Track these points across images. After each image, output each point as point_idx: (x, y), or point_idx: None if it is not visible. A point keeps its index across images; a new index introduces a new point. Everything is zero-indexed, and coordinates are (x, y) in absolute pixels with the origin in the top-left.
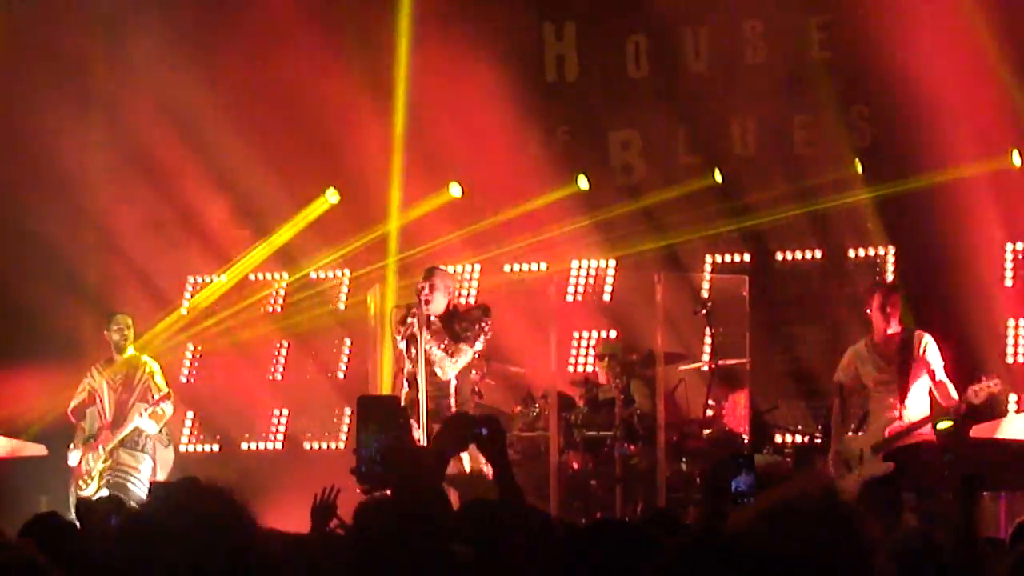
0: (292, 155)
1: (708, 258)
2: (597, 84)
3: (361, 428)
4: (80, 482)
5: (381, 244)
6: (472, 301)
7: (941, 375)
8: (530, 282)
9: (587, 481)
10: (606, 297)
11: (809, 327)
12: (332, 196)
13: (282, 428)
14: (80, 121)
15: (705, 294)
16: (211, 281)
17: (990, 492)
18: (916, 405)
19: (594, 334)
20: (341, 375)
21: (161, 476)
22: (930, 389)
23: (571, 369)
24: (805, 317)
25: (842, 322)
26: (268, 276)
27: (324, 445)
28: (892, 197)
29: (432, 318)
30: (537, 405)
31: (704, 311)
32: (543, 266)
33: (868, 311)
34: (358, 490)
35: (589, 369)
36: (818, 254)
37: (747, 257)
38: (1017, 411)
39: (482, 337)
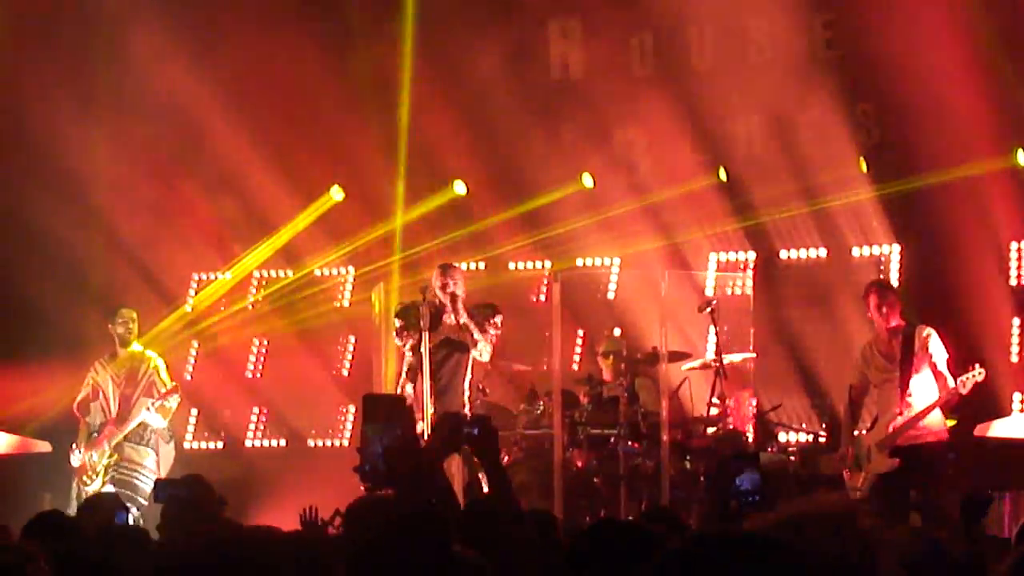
0: (297, 152)
1: (713, 256)
2: (602, 82)
3: (366, 426)
4: (84, 477)
5: (386, 241)
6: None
7: (941, 366)
8: (533, 279)
9: (591, 479)
10: (611, 295)
11: (813, 325)
12: (337, 193)
13: (286, 425)
14: (85, 118)
15: (710, 292)
16: (216, 278)
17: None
18: (920, 399)
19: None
20: (345, 372)
21: (163, 472)
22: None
23: (575, 367)
24: (809, 315)
25: (846, 320)
26: (273, 273)
27: (328, 442)
28: (897, 196)
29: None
30: (541, 403)
31: (708, 309)
32: (547, 264)
33: (868, 312)
34: (361, 488)
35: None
36: (823, 252)
37: (752, 255)
38: (1021, 410)
39: (495, 332)
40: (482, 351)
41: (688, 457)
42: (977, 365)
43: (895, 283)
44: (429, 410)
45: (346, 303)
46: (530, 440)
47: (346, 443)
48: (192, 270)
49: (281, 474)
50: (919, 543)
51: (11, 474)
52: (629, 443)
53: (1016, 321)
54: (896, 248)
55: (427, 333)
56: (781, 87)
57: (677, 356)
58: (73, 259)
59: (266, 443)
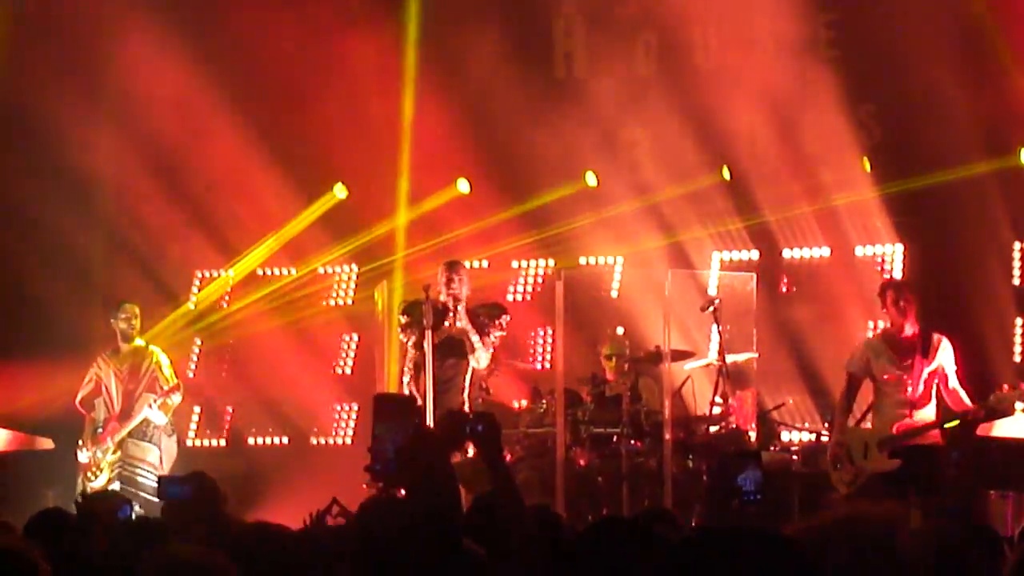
0: (300, 150)
1: (716, 255)
2: (606, 80)
3: (377, 426)
4: (89, 474)
5: (389, 239)
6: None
7: (954, 382)
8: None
9: (594, 478)
10: (614, 294)
11: (817, 325)
12: (340, 191)
13: (289, 423)
14: (88, 115)
15: (713, 291)
16: (219, 275)
17: (997, 492)
18: (925, 404)
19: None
20: (348, 370)
21: (166, 467)
22: (939, 391)
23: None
24: (813, 315)
25: (850, 320)
26: (276, 271)
27: (331, 440)
28: (900, 195)
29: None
30: (544, 401)
31: (712, 308)
32: (551, 262)
33: (883, 308)
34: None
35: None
36: (826, 252)
37: (755, 254)
38: None
39: (500, 334)
40: (479, 358)
41: (691, 456)
42: (1021, 384)
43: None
44: (430, 406)
45: (349, 301)
46: (532, 439)
47: (348, 441)
48: (195, 267)
49: (283, 472)
50: (932, 537)
51: (13, 470)
52: (632, 442)
53: (1019, 321)
54: (899, 248)
55: (431, 332)
56: (784, 86)
57: (680, 355)
58: (76, 255)
59: (268, 441)
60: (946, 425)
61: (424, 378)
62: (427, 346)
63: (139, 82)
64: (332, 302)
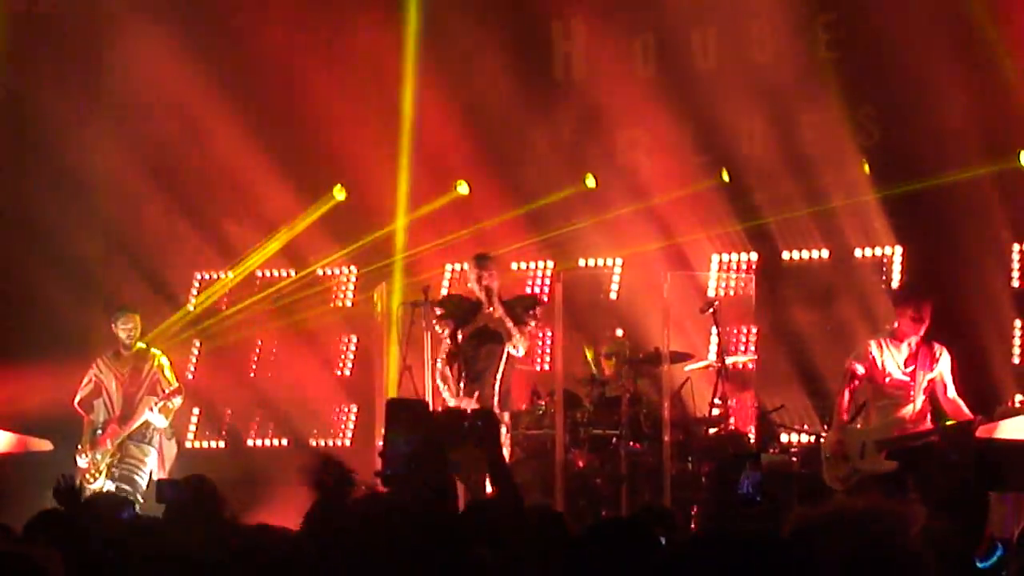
0: (299, 152)
1: (715, 257)
2: (605, 83)
3: (389, 431)
4: (88, 476)
5: (388, 241)
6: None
7: (953, 392)
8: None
9: (593, 479)
10: (613, 296)
11: (816, 327)
12: (339, 193)
13: (288, 425)
14: (89, 118)
15: (712, 293)
16: (218, 277)
17: (997, 493)
18: (925, 412)
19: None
20: (348, 372)
21: (166, 468)
22: (937, 400)
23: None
24: (812, 317)
25: (849, 322)
26: (275, 273)
27: (330, 443)
28: (899, 197)
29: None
30: (543, 403)
31: (711, 310)
32: (550, 264)
33: (897, 313)
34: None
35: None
36: (825, 254)
37: (754, 256)
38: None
39: (534, 323)
40: (517, 344)
41: (690, 458)
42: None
43: (896, 284)
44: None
45: (348, 303)
46: (532, 440)
47: (348, 443)
48: (194, 269)
49: (283, 474)
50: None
51: (12, 473)
52: (631, 443)
53: (1018, 323)
54: (899, 250)
55: (429, 332)
56: (783, 88)
57: (679, 357)
58: (76, 258)
59: (268, 443)
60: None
61: (457, 368)
62: (427, 345)
63: (140, 84)
64: (332, 304)
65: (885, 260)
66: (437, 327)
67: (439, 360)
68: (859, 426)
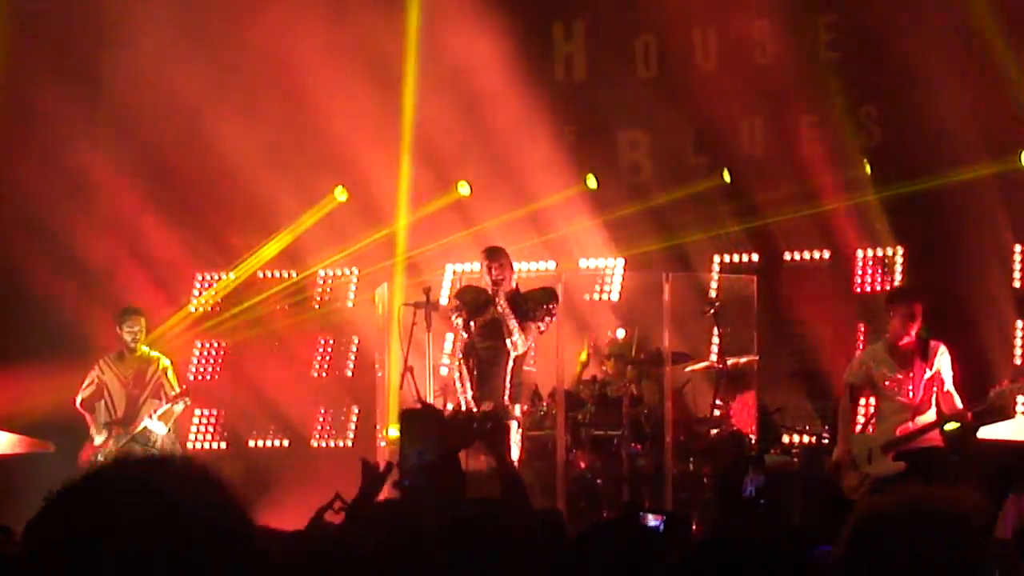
0: (301, 153)
1: (716, 258)
2: (606, 84)
3: (405, 441)
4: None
5: (389, 242)
6: None
7: (950, 386)
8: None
9: (594, 480)
10: (614, 296)
11: (817, 327)
12: (341, 194)
13: (289, 426)
14: (90, 118)
15: (713, 294)
16: (220, 278)
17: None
18: (927, 410)
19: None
20: (349, 373)
21: None
22: (936, 396)
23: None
24: (813, 317)
25: (850, 323)
26: (277, 274)
27: (332, 443)
28: (901, 198)
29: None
30: (544, 404)
31: (712, 311)
32: (551, 265)
33: (888, 316)
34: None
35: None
36: (826, 254)
37: (755, 257)
38: None
39: (548, 319)
40: (516, 343)
41: (691, 458)
42: (1021, 379)
43: (898, 285)
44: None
45: (349, 303)
46: (533, 441)
47: (349, 444)
48: (196, 270)
49: (284, 474)
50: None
51: (14, 474)
52: (632, 444)
53: (1020, 324)
54: (900, 250)
55: (430, 333)
56: (784, 89)
57: (680, 358)
58: (77, 258)
59: (268, 443)
60: (945, 428)
61: (472, 361)
62: (427, 344)
63: (141, 84)
64: (333, 305)
65: (886, 261)
66: (453, 318)
67: (456, 356)
68: (866, 432)
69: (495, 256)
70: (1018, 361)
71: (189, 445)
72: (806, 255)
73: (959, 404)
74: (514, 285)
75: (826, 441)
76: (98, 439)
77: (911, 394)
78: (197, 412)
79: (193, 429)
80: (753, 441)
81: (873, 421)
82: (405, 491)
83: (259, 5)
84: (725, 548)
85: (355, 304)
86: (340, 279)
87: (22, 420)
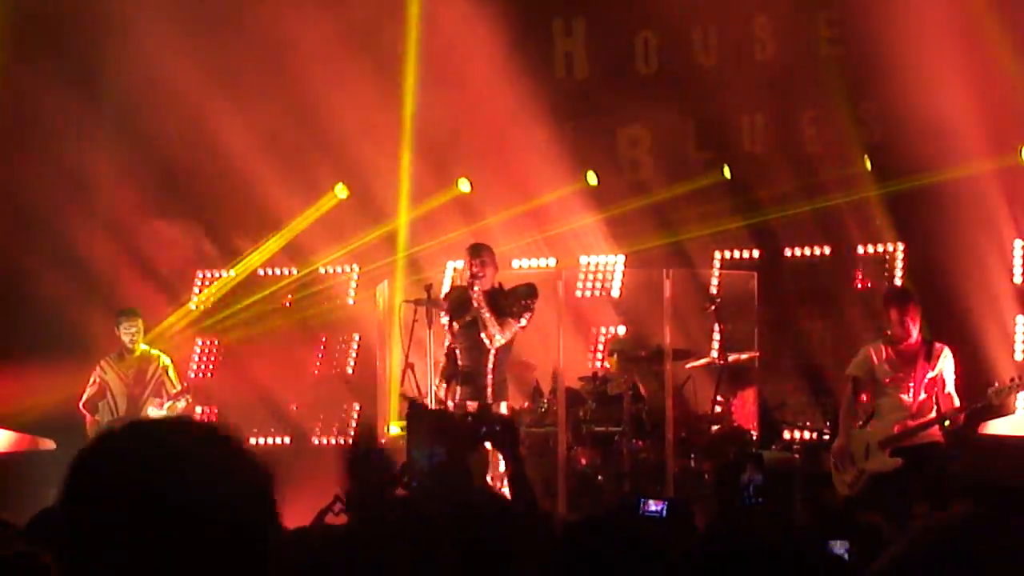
0: (301, 150)
1: (717, 254)
2: (606, 80)
3: (413, 443)
4: None
5: (390, 239)
6: None
7: (951, 388)
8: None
9: (595, 476)
10: (615, 293)
11: (818, 323)
12: (341, 191)
13: (290, 423)
14: (90, 116)
15: (714, 290)
16: (220, 276)
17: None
18: (928, 411)
19: (603, 330)
20: (350, 370)
21: None
22: (936, 397)
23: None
24: (814, 313)
25: (851, 319)
26: (277, 271)
27: (332, 440)
28: (901, 194)
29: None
30: (545, 400)
31: (713, 307)
32: (552, 262)
33: (886, 318)
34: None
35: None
36: (827, 250)
37: (756, 253)
38: None
39: (527, 314)
40: (491, 337)
41: (692, 454)
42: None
43: (898, 282)
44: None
45: (351, 301)
46: (534, 438)
47: (350, 441)
48: (196, 268)
49: (284, 472)
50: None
51: (15, 471)
52: (633, 441)
53: (1020, 319)
54: (900, 246)
55: (431, 330)
56: (785, 85)
57: (681, 354)
58: (77, 257)
59: (270, 441)
60: (946, 423)
61: (453, 362)
62: (428, 341)
63: (141, 83)
64: (334, 302)
65: (887, 257)
66: (441, 318)
67: (442, 356)
68: (865, 428)
69: (476, 253)
70: (1019, 357)
71: None
72: (807, 251)
73: (956, 403)
74: (497, 283)
75: (827, 437)
76: None
77: (911, 393)
78: (198, 410)
79: None
80: (754, 437)
81: (872, 417)
82: (413, 493)
83: (261, 3)
84: (725, 547)
85: (356, 301)
86: (341, 276)
87: (23, 417)
